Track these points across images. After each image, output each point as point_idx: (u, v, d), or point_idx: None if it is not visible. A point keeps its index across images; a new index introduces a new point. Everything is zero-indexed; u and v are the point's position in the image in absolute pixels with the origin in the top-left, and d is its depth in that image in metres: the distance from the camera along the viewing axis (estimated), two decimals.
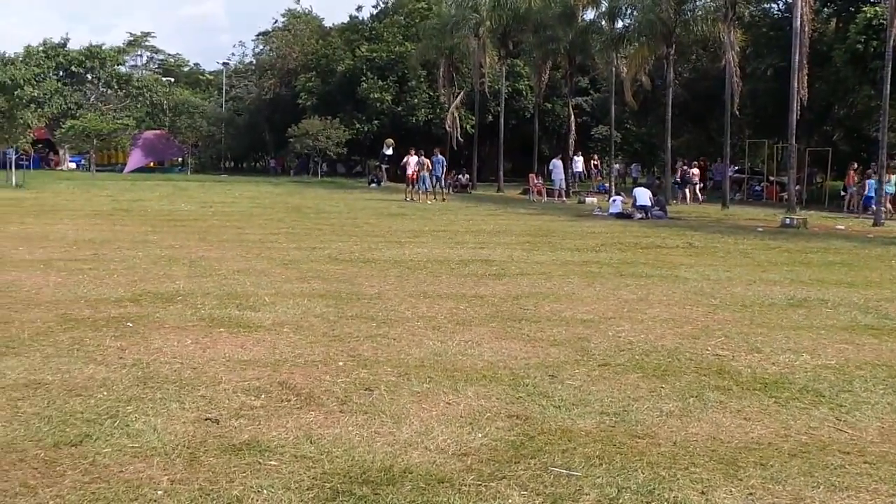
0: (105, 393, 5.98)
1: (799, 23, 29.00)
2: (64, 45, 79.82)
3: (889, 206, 27.95)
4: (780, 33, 37.67)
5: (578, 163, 46.35)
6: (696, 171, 40.76)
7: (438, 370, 6.88)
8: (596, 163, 48.41)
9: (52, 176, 57.99)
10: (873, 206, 27.34)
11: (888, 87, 25.05)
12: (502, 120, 49.97)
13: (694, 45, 42.16)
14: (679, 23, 35.97)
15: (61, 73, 78.50)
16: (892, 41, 24.60)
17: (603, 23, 42.22)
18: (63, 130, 69.29)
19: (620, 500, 4.36)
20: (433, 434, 5.30)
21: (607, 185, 39.75)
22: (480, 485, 4.50)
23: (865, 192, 30.70)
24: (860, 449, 5.26)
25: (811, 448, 5.24)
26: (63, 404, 5.67)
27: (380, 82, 61.09)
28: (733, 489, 4.56)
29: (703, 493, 4.51)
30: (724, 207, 33.51)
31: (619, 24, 41.07)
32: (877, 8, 31.98)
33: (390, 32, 64.49)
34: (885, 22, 26.87)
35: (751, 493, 4.50)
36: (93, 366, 6.76)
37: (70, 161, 78.58)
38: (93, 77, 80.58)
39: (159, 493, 4.28)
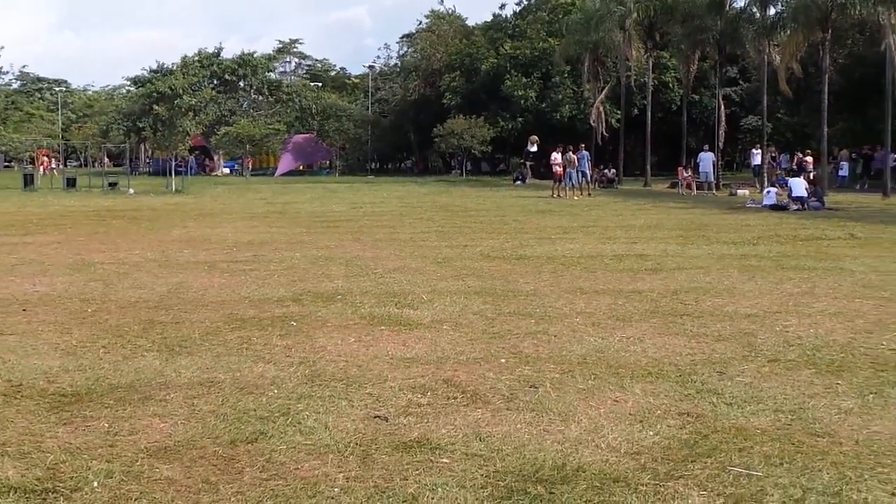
0: (276, 391, 6.12)
1: None
2: (218, 54, 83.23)
3: None
4: None
5: (756, 156, 43.97)
6: (809, 159, 39.80)
7: (602, 367, 6.76)
8: (774, 154, 45.99)
9: (208, 181, 60.40)
10: None
11: None
12: (649, 113, 49.20)
13: (851, 30, 40.34)
14: (835, 6, 34.40)
15: (215, 81, 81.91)
16: None
17: (754, 9, 40.92)
18: (218, 137, 72.30)
19: (806, 502, 4.18)
20: (603, 432, 5.20)
21: (786, 177, 38.32)
22: (657, 484, 4.38)
23: None
24: None
25: None
26: (236, 402, 5.83)
27: (523, 79, 61.17)
28: None
29: (893, 494, 4.28)
30: (884, 197, 32.00)
31: (772, 11, 39.81)
32: None
33: (533, 29, 64.48)
34: None
35: None
36: (262, 364, 6.93)
37: (224, 166, 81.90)
38: (245, 84, 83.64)
39: (336, 490, 4.31)
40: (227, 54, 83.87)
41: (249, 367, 6.85)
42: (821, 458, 4.77)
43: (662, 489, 4.32)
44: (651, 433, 5.18)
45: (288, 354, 7.31)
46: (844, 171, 41.88)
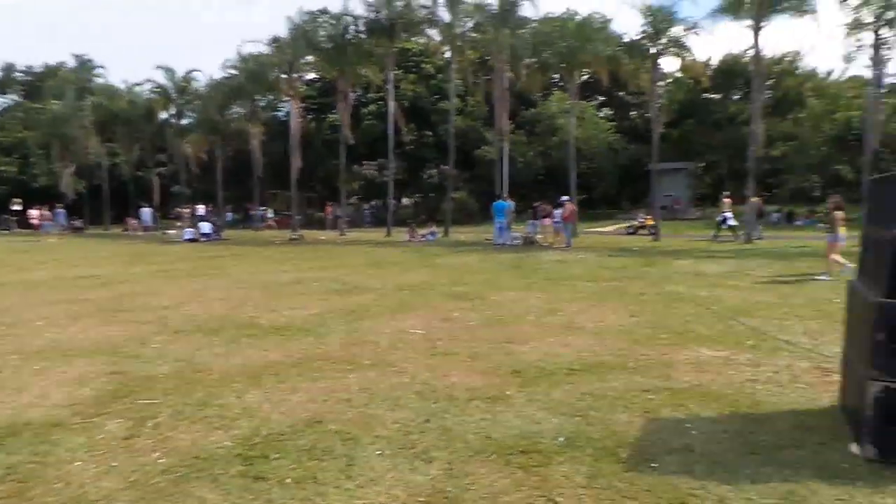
0: None
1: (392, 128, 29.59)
2: None
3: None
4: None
5: (198, 209, 34.26)
6: (201, 207, 39.01)
7: (55, 352, 5.89)
8: (208, 208, 43.34)
9: None
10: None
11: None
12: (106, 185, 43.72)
13: (233, 135, 40.44)
14: (224, 121, 34.48)
15: None
16: None
17: (173, 119, 38.91)
18: None
19: (184, 412, 4.16)
20: (49, 396, 4.56)
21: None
22: (86, 421, 3.99)
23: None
24: (329, 356, 5.62)
25: (303, 360, 5.46)
26: None
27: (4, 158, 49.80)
28: (258, 391, 4.60)
29: (238, 396, 4.48)
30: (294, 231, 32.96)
31: (185, 121, 38.31)
32: None
33: (12, 121, 52.57)
34: None
35: (266, 392, 4.57)
36: None
37: None
38: None
39: None
40: None
41: None
42: (198, 383, 4.79)
43: (89, 423, 3.95)
44: (87, 390, 4.68)
45: None
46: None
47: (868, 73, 20.71)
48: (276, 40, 28.69)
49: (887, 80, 23.76)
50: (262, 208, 36.62)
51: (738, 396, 4.35)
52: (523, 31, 24.51)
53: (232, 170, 39.26)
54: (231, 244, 23.36)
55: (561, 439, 3.60)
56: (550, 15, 24.48)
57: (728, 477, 3.10)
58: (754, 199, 20.68)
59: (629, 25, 39.91)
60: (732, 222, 20.73)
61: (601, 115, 39.79)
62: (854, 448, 3.37)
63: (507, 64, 24.62)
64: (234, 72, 32.24)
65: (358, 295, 9.30)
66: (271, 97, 37.32)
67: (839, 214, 10.99)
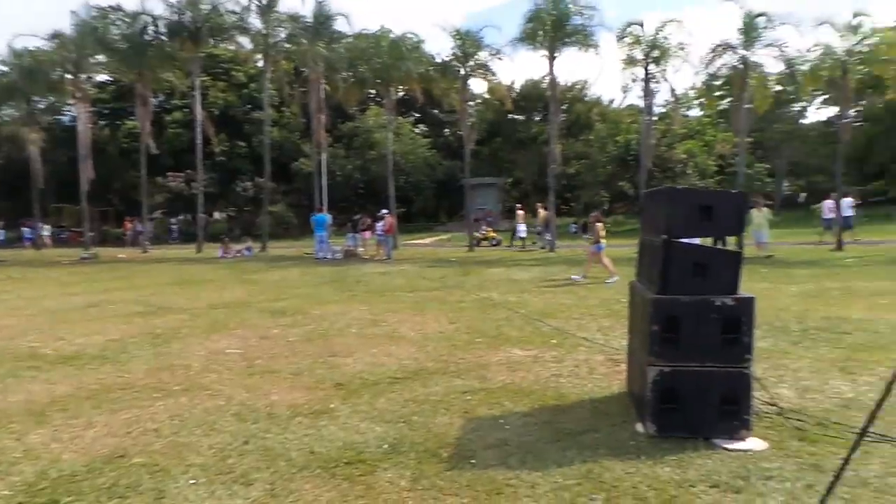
0: None
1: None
2: None
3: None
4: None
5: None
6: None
7: None
8: None
9: None
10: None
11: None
12: None
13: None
14: None
15: None
16: None
17: None
18: None
19: None
20: None
21: None
22: None
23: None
24: (132, 384, 5.12)
25: (100, 391, 4.92)
26: None
27: None
28: (44, 430, 4.05)
29: (18, 438, 3.90)
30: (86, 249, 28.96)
31: None
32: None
33: None
34: None
35: (54, 430, 4.04)
36: None
37: None
38: None
39: None
40: None
41: None
42: None
43: None
44: None
45: None
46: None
47: (641, 103, 23.91)
48: (57, 35, 25.45)
49: (656, 110, 27.62)
50: (39, 224, 31.91)
51: (545, 390, 4.74)
52: (338, 45, 24.51)
53: (5, 180, 34.13)
54: (7, 265, 20.21)
55: (385, 446, 3.64)
56: (366, 31, 24.80)
57: (538, 464, 3.37)
58: (543, 212, 23.04)
59: (441, 47, 41.90)
60: (523, 234, 22.85)
61: (417, 131, 41.10)
62: (639, 427, 3.85)
63: (324, 76, 24.44)
64: (4, 68, 28.06)
65: (165, 316, 8.57)
66: (53, 99, 32.96)
67: (599, 226, 12.55)
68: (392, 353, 6.05)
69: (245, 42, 26.15)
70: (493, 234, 24.54)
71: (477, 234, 25.12)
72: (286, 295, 10.78)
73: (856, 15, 19.02)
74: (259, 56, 26.46)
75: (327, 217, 21.05)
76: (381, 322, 7.81)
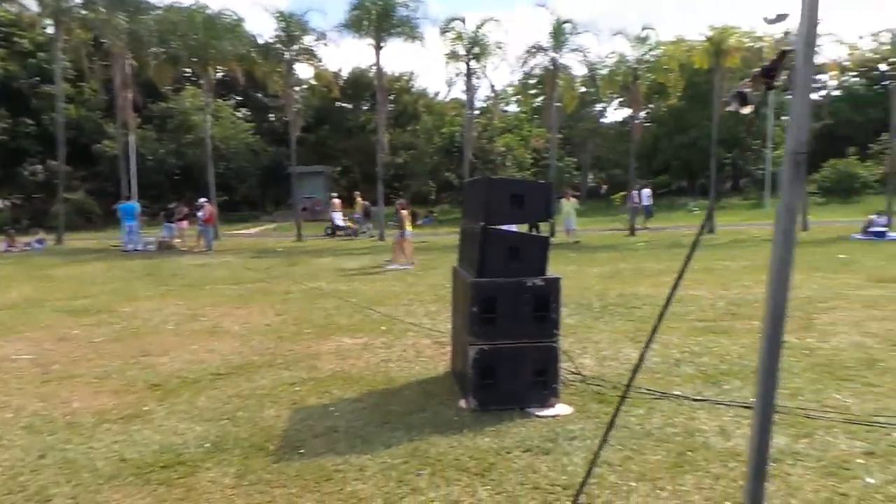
0: None
1: None
2: None
3: None
4: None
5: None
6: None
7: None
8: None
9: None
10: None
11: None
12: None
13: None
14: None
15: None
16: None
17: None
18: None
19: None
20: None
21: None
22: None
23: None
24: None
25: None
26: None
27: None
28: None
29: None
30: None
31: None
32: None
33: None
34: None
35: None
36: None
37: None
38: None
39: None
40: None
41: None
42: None
43: None
44: None
45: None
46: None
47: (465, 97, 24.83)
48: None
49: (478, 104, 28.89)
50: None
51: (375, 376, 4.82)
52: (146, 16, 22.33)
53: None
54: None
55: (207, 445, 3.47)
56: (178, 4, 22.85)
57: (366, 448, 3.43)
58: (360, 201, 23.47)
59: (265, 28, 39.89)
60: (339, 223, 23.09)
61: (239, 115, 38.91)
62: (462, 403, 4.08)
63: (129, 50, 22.14)
64: None
65: None
66: None
67: (405, 213, 12.99)
68: (214, 349, 5.75)
69: (31, 3, 22.82)
70: (351, 224, 23.70)
71: (331, 224, 24.01)
72: (89, 292, 9.71)
73: (644, 28, 21.59)
74: (49, 21, 23.22)
75: (136, 206, 19.22)
76: (201, 317, 7.37)
